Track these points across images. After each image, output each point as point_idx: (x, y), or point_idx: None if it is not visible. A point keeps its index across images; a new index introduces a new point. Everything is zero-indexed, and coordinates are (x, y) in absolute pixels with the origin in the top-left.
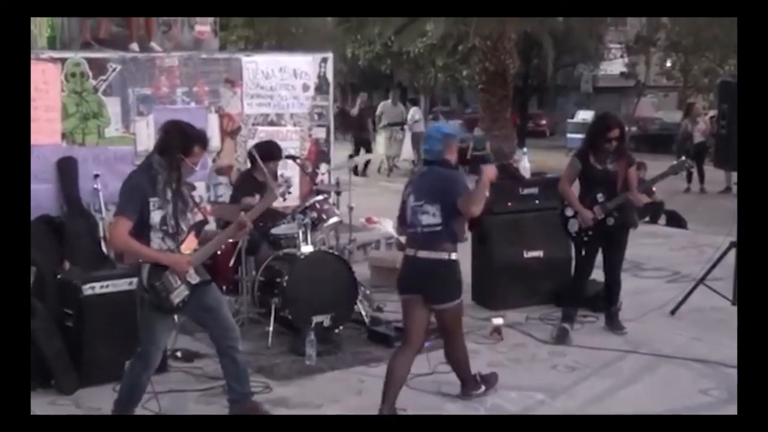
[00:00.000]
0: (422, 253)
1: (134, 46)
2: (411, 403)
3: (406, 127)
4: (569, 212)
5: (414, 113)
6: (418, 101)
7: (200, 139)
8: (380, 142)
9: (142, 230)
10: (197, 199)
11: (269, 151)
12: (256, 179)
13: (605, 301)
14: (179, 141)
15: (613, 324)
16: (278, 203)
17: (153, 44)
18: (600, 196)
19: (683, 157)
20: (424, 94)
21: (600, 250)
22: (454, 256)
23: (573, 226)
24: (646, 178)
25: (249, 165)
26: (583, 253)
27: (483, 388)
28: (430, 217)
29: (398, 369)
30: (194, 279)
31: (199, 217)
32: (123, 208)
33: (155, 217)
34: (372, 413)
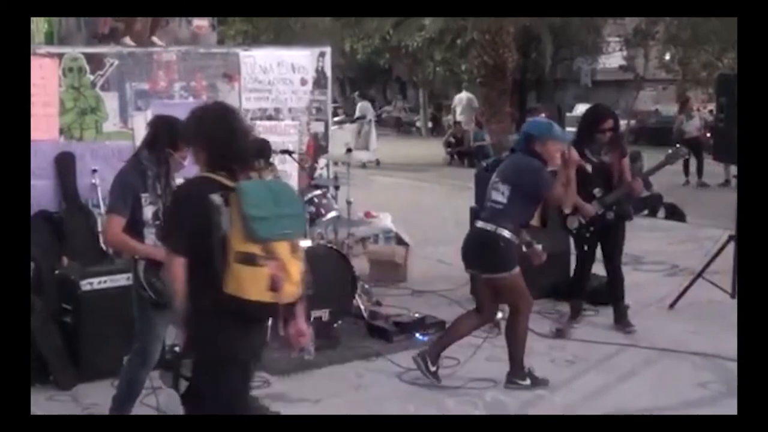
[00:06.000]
0: (479, 223)
1: (128, 40)
2: (411, 397)
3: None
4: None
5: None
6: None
7: None
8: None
9: (135, 227)
10: None
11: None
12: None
13: (611, 296)
14: (167, 136)
15: (623, 322)
16: None
17: (155, 39)
18: (597, 191)
19: (677, 146)
20: (423, 88)
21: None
22: (506, 233)
23: (572, 222)
24: (643, 170)
25: None
26: (585, 248)
27: (528, 381)
28: (499, 194)
29: (459, 326)
30: None
31: None
32: (115, 205)
33: (147, 212)
34: (371, 408)
